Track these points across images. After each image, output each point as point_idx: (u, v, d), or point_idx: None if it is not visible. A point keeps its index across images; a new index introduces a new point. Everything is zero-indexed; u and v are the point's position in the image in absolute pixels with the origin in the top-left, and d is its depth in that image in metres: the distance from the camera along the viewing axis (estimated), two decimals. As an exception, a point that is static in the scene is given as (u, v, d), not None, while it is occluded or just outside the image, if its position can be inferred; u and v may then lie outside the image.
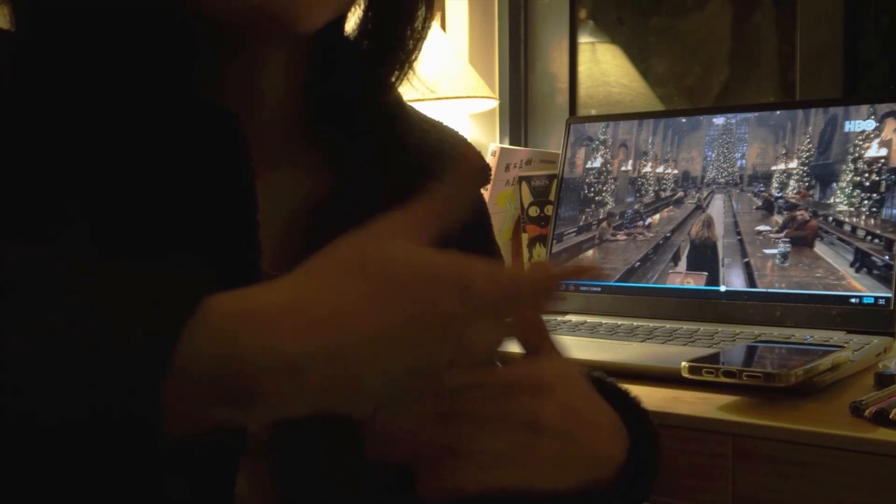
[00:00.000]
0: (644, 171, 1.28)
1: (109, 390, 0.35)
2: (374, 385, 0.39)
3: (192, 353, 0.36)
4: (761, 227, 1.14)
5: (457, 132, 0.68)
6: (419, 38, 0.59)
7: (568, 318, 1.20)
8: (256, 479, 0.53)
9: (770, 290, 1.10)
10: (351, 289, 0.39)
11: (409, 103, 0.66)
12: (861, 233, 1.07)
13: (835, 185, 1.11)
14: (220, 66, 0.54)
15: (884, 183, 1.07)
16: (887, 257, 1.04)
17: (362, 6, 0.58)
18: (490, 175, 0.67)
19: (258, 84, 0.56)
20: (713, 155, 1.22)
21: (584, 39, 1.86)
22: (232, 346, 0.37)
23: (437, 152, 0.63)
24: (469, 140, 0.70)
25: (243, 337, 0.37)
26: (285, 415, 0.39)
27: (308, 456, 0.54)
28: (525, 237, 1.39)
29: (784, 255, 1.11)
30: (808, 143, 1.14)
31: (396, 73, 0.59)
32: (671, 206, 1.24)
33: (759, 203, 1.16)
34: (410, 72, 0.60)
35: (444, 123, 0.69)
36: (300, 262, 0.54)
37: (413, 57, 0.59)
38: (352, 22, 0.59)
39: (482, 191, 0.70)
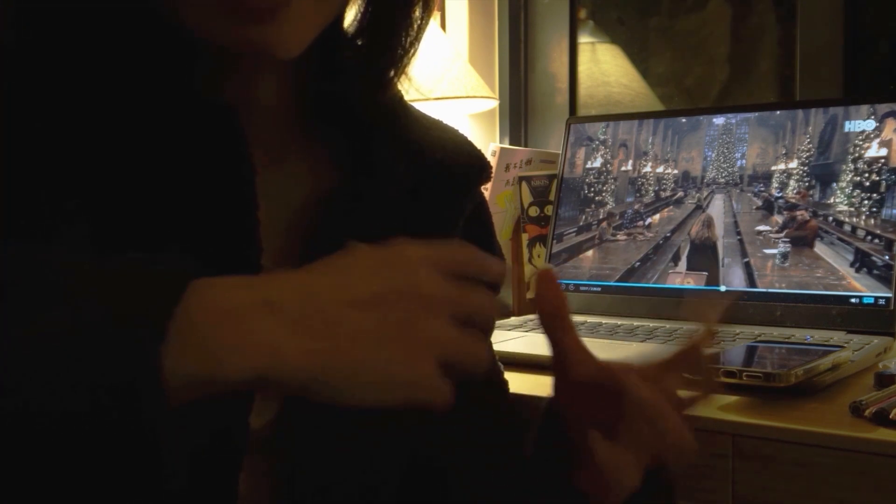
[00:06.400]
0: (644, 171, 1.28)
1: (109, 366, 0.35)
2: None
3: (185, 318, 0.37)
4: (761, 227, 1.14)
5: (457, 130, 0.68)
6: (416, 33, 0.59)
7: (568, 317, 1.20)
8: (258, 478, 0.53)
9: (770, 290, 1.10)
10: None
11: (410, 103, 0.66)
12: (861, 233, 1.07)
13: (835, 185, 1.11)
14: (218, 69, 0.54)
15: (884, 183, 1.07)
16: (887, 257, 1.04)
17: (360, 3, 0.58)
18: (491, 173, 0.67)
19: (255, 86, 0.56)
20: (713, 155, 1.22)
21: (584, 39, 1.86)
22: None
23: (439, 150, 0.63)
24: (470, 139, 0.70)
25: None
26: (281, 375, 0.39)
27: (310, 454, 0.54)
28: (525, 237, 1.39)
29: (784, 255, 1.11)
30: (808, 143, 1.14)
31: (393, 69, 0.59)
32: (671, 206, 1.24)
33: (759, 203, 1.16)
34: (408, 69, 0.60)
35: (444, 122, 0.69)
36: (303, 258, 0.54)
37: (410, 53, 0.59)
38: (350, 18, 0.59)
39: (483, 189, 0.70)
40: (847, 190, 1.09)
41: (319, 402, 0.40)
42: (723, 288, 1.14)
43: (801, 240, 1.11)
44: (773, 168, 1.16)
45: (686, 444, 0.56)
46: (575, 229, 1.30)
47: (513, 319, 1.21)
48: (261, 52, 0.49)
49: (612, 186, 1.29)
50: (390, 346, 0.41)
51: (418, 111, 0.67)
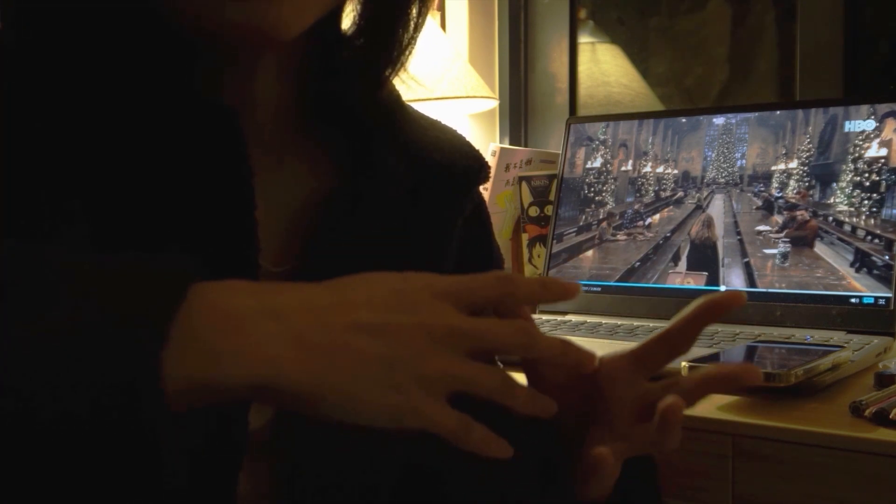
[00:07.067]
0: (644, 171, 1.28)
1: (109, 366, 0.35)
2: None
3: (187, 321, 0.37)
4: (761, 227, 1.14)
5: (455, 130, 0.68)
6: (414, 31, 0.59)
7: (568, 318, 1.20)
8: (258, 478, 0.53)
9: (770, 290, 1.10)
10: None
11: (409, 103, 0.66)
12: (861, 233, 1.07)
13: (835, 185, 1.11)
14: (217, 68, 0.54)
15: (884, 183, 1.07)
16: (887, 257, 1.04)
17: (358, 2, 0.58)
18: (489, 173, 0.67)
19: (255, 87, 0.56)
20: (713, 155, 1.22)
21: (584, 39, 1.86)
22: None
23: (438, 151, 0.63)
24: (467, 139, 0.70)
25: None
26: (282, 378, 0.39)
27: (310, 454, 0.54)
28: (525, 237, 1.39)
29: (784, 255, 1.11)
30: (808, 143, 1.14)
31: (390, 69, 0.59)
32: (671, 206, 1.24)
33: (759, 203, 1.16)
34: (404, 68, 0.60)
35: (443, 122, 0.69)
36: (303, 258, 0.54)
37: (407, 52, 0.59)
38: (348, 18, 0.59)
39: (482, 189, 0.70)
40: (847, 190, 1.09)
41: (314, 417, 0.40)
42: (723, 288, 1.14)
43: (801, 240, 1.11)
44: (773, 168, 1.16)
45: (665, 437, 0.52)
46: (575, 229, 1.30)
47: (513, 319, 1.20)
48: (259, 33, 0.49)
49: (612, 186, 1.29)
50: (388, 373, 0.40)
51: (417, 112, 0.67)
